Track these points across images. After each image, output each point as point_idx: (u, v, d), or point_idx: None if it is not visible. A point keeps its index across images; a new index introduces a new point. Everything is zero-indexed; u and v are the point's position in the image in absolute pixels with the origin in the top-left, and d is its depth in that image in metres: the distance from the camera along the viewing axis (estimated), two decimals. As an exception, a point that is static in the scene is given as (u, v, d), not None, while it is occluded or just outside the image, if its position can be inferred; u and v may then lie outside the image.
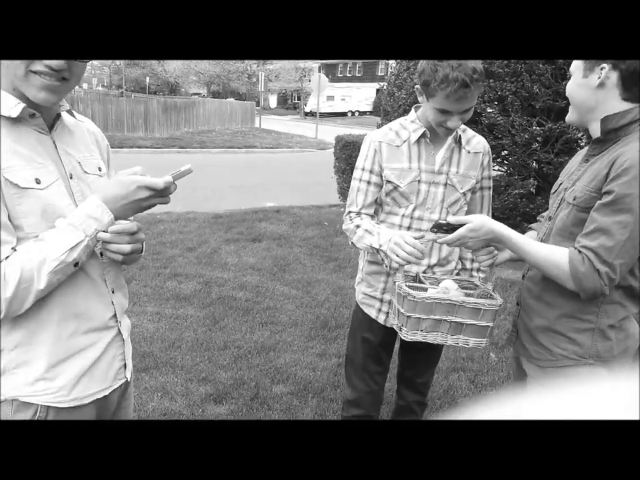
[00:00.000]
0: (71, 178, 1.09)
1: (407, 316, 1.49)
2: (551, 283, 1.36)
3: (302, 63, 37.11)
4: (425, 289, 1.61)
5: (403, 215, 1.75)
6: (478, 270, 1.86)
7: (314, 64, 39.63)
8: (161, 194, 1.07)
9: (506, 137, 4.73)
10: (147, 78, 40.60)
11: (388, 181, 1.73)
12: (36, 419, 1.06)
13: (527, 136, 4.62)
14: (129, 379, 1.25)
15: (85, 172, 1.14)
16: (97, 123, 15.75)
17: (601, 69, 1.27)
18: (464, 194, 1.77)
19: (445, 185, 1.74)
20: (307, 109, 33.29)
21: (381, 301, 1.85)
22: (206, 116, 19.63)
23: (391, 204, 1.76)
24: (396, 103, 5.67)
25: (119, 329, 1.19)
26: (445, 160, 1.73)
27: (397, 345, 1.96)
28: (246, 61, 35.47)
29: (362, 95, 33.69)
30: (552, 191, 1.52)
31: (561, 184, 1.48)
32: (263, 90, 22.96)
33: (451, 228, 1.40)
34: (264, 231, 5.94)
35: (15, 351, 1.03)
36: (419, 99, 1.67)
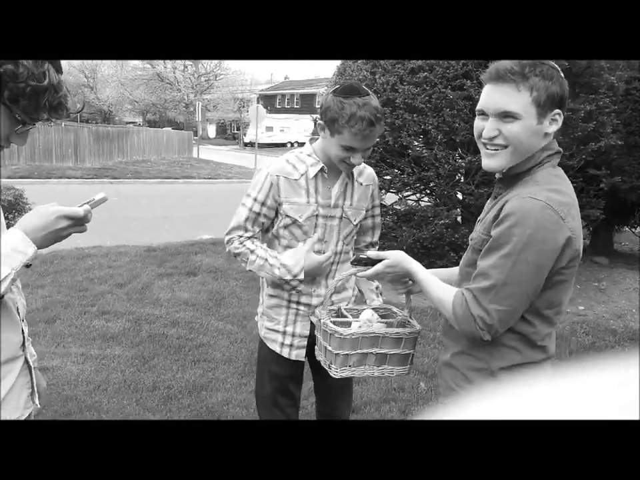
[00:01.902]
0: None
1: (335, 353, 1.51)
2: None
3: (240, 94, 37.38)
4: (349, 323, 1.64)
5: None
6: (380, 294, 1.93)
7: (252, 95, 40.01)
8: (80, 222, 1.10)
9: (431, 169, 4.97)
10: (78, 105, 39.41)
11: (287, 215, 1.77)
12: None
13: (449, 168, 4.87)
14: (38, 405, 1.25)
15: None
16: (23, 152, 15.13)
17: (555, 115, 1.25)
18: (356, 225, 1.86)
19: (341, 218, 1.81)
20: (246, 140, 33.39)
21: (284, 333, 1.87)
22: (141, 145, 19.26)
23: (289, 238, 1.81)
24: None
25: (25, 357, 1.20)
26: (339, 194, 1.81)
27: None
28: (182, 90, 35.27)
29: (301, 126, 34.23)
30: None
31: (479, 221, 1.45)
32: (200, 120, 22.87)
33: (370, 262, 1.46)
34: (199, 264, 5.85)
35: None
36: (321, 134, 1.72)
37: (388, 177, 5.48)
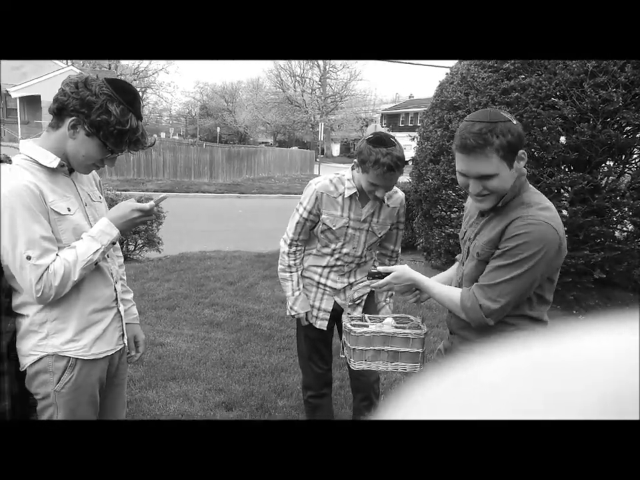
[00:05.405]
0: (85, 205, 1.63)
1: (352, 348, 1.88)
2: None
3: (363, 114, 38.45)
4: (367, 326, 1.99)
5: (334, 249, 2.30)
6: (391, 296, 2.43)
7: (375, 114, 40.90)
8: (148, 214, 1.61)
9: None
10: (218, 128, 43.40)
11: (323, 223, 2.26)
12: (68, 366, 1.58)
13: (540, 187, 4.91)
14: (125, 345, 1.78)
15: (93, 200, 1.68)
16: (167, 169, 17.24)
17: (520, 154, 1.48)
18: (380, 237, 2.31)
19: (367, 230, 2.27)
20: (367, 157, 34.10)
21: (312, 307, 2.38)
22: (267, 163, 20.87)
23: (324, 240, 2.30)
24: (423, 153, 6.14)
25: (118, 309, 1.72)
26: (369, 213, 2.25)
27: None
28: (309, 112, 37.23)
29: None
30: (460, 237, 1.81)
31: (465, 232, 1.75)
32: (322, 139, 24.09)
33: (381, 275, 1.81)
34: (300, 269, 6.45)
35: (54, 322, 1.56)
36: (356, 169, 2.18)
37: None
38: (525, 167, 1.56)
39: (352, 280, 2.37)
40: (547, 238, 1.46)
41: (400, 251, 2.50)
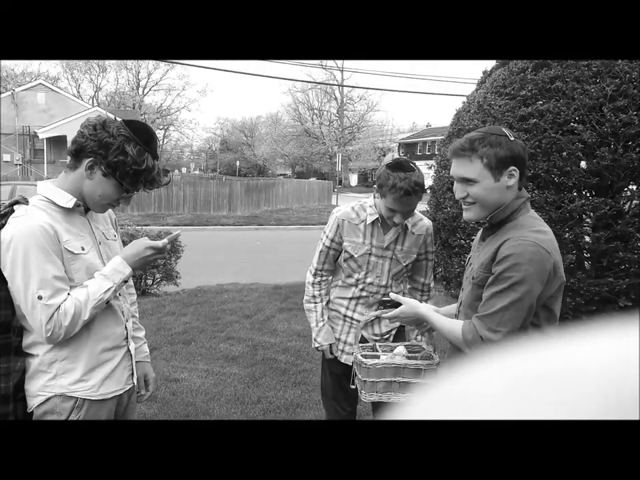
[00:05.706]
0: (99, 244, 1.62)
1: (363, 380, 1.83)
2: None
3: (381, 143, 38.77)
4: (378, 357, 1.95)
5: (358, 279, 2.23)
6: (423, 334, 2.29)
7: (393, 144, 41.21)
8: (161, 252, 1.60)
9: (541, 214, 4.92)
10: (238, 162, 44.11)
11: (345, 251, 2.21)
12: (75, 407, 1.54)
13: (560, 212, 4.79)
14: (135, 384, 1.73)
15: (107, 239, 1.67)
16: (187, 203, 17.46)
17: (511, 171, 1.48)
18: (406, 266, 2.22)
19: (391, 259, 2.20)
20: (385, 187, 34.22)
21: (338, 340, 2.30)
22: (285, 195, 21.03)
23: (348, 270, 2.24)
24: (441, 181, 6.08)
25: (128, 347, 1.68)
26: (392, 240, 2.18)
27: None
28: (327, 143, 37.67)
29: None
30: (466, 263, 1.77)
31: (470, 258, 1.71)
32: (340, 170, 24.25)
33: (392, 305, 1.81)
34: (317, 301, 6.36)
35: (64, 362, 1.53)
36: (375, 195, 2.15)
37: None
38: (527, 189, 1.63)
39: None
40: (537, 259, 1.43)
41: (432, 284, 2.39)
